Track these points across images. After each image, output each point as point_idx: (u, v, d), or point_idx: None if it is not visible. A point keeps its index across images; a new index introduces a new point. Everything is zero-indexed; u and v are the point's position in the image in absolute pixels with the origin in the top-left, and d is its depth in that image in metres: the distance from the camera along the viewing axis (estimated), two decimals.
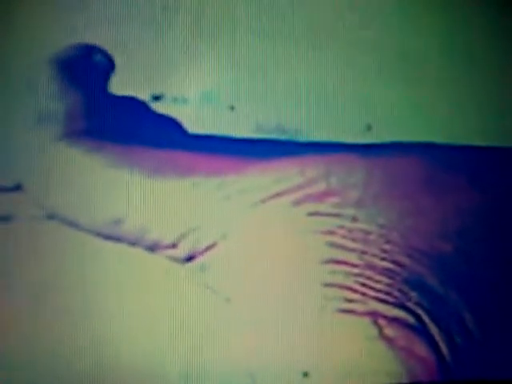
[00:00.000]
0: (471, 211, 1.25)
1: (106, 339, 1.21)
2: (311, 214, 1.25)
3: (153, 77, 1.29)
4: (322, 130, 1.28)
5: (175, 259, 1.25)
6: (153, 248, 1.25)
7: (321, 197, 1.25)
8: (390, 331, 1.22)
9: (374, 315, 1.22)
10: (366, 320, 1.22)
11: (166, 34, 1.30)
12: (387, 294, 1.23)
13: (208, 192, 1.26)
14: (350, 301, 1.22)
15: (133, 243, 1.25)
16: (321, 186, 1.26)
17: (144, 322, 1.22)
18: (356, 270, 1.23)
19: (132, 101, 1.29)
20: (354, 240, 1.24)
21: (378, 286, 1.23)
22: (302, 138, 1.28)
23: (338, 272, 1.23)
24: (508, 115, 1.29)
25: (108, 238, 1.25)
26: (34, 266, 1.23)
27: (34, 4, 1.31)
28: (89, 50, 1.29)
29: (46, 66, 1.29)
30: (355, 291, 1.23)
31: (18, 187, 1.27)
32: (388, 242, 1.24)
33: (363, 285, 1.23)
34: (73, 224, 1.25)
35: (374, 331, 1.22)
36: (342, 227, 1.24)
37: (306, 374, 1.21)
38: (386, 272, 1.23)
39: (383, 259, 1.23)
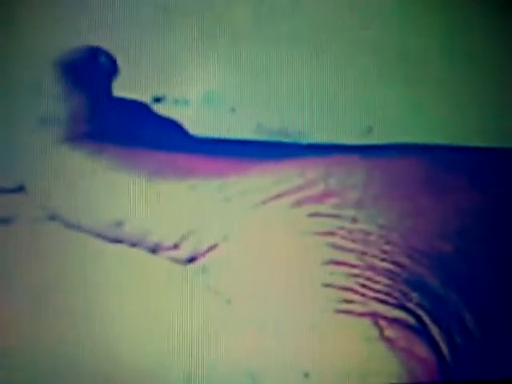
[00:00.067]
0: (471, 212, 1.25)
1: (108, 340, 1.21)
2: (311, 215, 1.25)
3: (154, 78, 1.30)
4: (323, 132, 1.29)
5: (177, 261, 1.25)
6: (155, 249, 1.26)
7: (321, 198, 1.26)
8: (390, 332, 1.22)
9: (374, 316, 1.22)
10: (367, 321, 1.22)
11: (168, 36, 1.30)
12: (387, 294, 1.23)
13: (209, 193, 1.26)
14: (351, 302, 1.23)
15: (134, 245, 1.25)
16: (320, 188, 1.26)
17: (145, 323, 1.22)
18: (356, 271, 1.23)
19: (134, 103, 1.30)
20: (354, 241, 1.24)
21: (379, 286, 1.23)
22: (305, 140, 1.28)
23: (339, 273, 1.23)
24: (508, 116, 1.29)
25: (109, 239, 1.25)
26: (35, 267, 1.24)
27: (37, 5, 1.31)
28: (93, 53, 1.30)
29: (49, 67, 1.30)
30: (355, 292, 1.23)
31: (20, 189, 1.28)
32: (388, 242, 1.24)
33: (363, 286, 1.23)
34: (74, 226, 1.26)
35: (375, 332, 1.22)
36: (342, 228, 1.24)
37: (306, 375, 1.21)
38: (386, 273, 1.23)
39: (383, 260, 1.24)
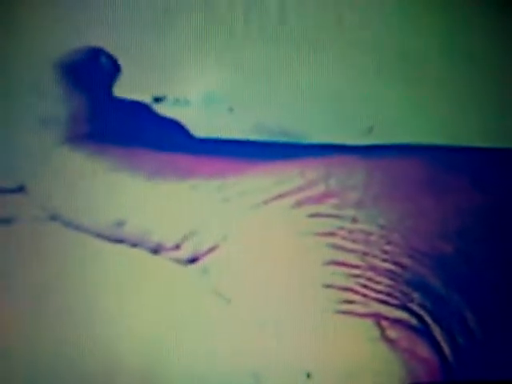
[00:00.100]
0: (472, 212, 1.25)
1: (108, 340, 1.21)
2: (312, 216, 1.25)
3: (155, 78, 1.30)
4: (323, 132, 1.29)
5: (178, 261, 1.25)
6: (156, 250, 1.25)
7: (321, 198, 1.26)
8: (392, 332, 1.22)
9: (376, 316, 1.22)
10: (368, 321, 1.22)
11: (168, 36, 1.30)
12: (389, 295, 1.22)
13: (210, 194, 1.26)
14: (352, 302, 1.22)
15: (135, 245, 1.25)
16: (321, 188, 1.26)
17: (145, 324, 1.22)
18: (357, 272, 1.23)
19: (134, 103, 1.30)
20: (354, 241, 1.24)
21: (380, 287, 1.23)
22: (305, 140, 1.28)
23: (339, 273, 1.23)
24: (509, 116, 1.29)
25: (110, 239, 1.25)
26: (35, 267, 1.23)
27: (37, 5, 1.31)
28: (94, 53, 1.30)
29: (49, 68, 1.30)
30: (356, 292, 1.23)
31: (20, 189, 1.28)
32: (389, 243, 1.24)
33: (364, 286, 1.23)
34: (75, 226, 1.26)
35: (376, 332, 1.22)
36: (342, 228, 1.24)
37: (309, 375, 1.21)
38: (387, 273, 1.23)
39: (384, 260, 1.23)
